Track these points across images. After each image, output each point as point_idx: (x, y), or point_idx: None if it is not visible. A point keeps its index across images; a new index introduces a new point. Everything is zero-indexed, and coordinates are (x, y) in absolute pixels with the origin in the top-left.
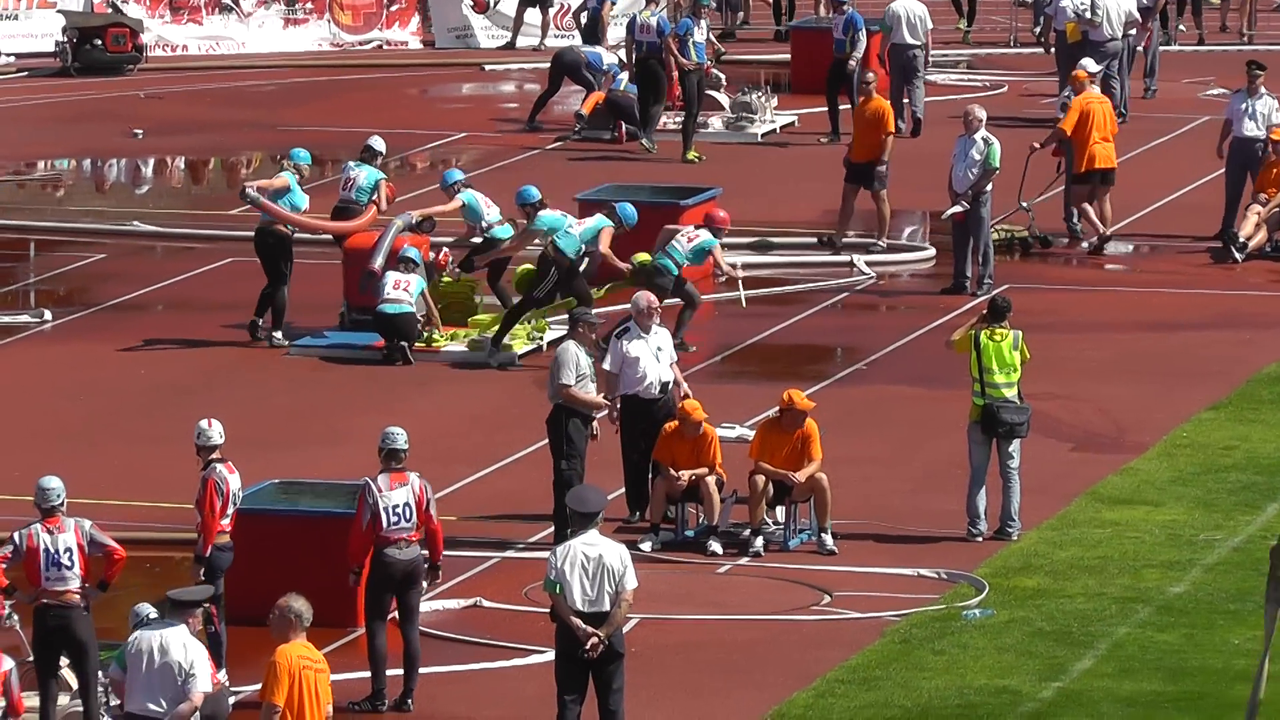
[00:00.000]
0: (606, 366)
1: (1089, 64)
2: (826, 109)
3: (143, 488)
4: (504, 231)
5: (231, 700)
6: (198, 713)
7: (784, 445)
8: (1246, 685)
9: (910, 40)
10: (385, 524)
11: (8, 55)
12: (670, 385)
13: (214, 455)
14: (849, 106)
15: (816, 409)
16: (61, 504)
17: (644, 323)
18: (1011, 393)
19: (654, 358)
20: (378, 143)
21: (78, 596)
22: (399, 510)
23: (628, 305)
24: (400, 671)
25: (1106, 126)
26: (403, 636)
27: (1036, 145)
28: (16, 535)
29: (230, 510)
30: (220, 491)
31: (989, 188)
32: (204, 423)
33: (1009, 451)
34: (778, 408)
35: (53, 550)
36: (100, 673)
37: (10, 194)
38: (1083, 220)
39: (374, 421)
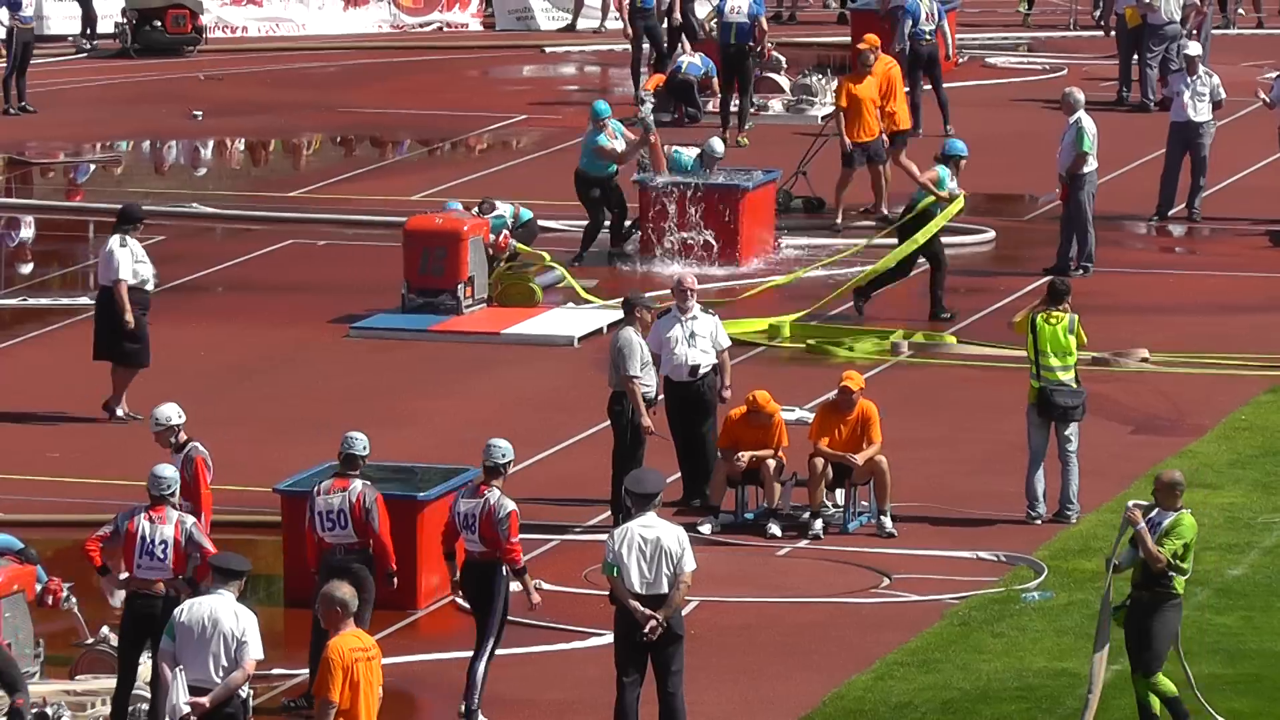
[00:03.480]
0: (649, 346)
1: None
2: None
3: None
4: (525, 214)
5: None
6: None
7: (843, 427)
8: None
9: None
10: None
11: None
12: (702, 369)
13: (183, 435)
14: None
15: (876, 391)
16: (171, 493)
17: (681, 304)
18: (1067, 376)
19: (685, 341)
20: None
21: (164, 588)
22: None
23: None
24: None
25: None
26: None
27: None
28: (120, 517)
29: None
30: (209, 466)
31: (1085, 170)
32: (159, 409)
33: (1067, 435)
34: (836, 390)
35: (149, 539)
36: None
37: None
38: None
39: (434, 404)
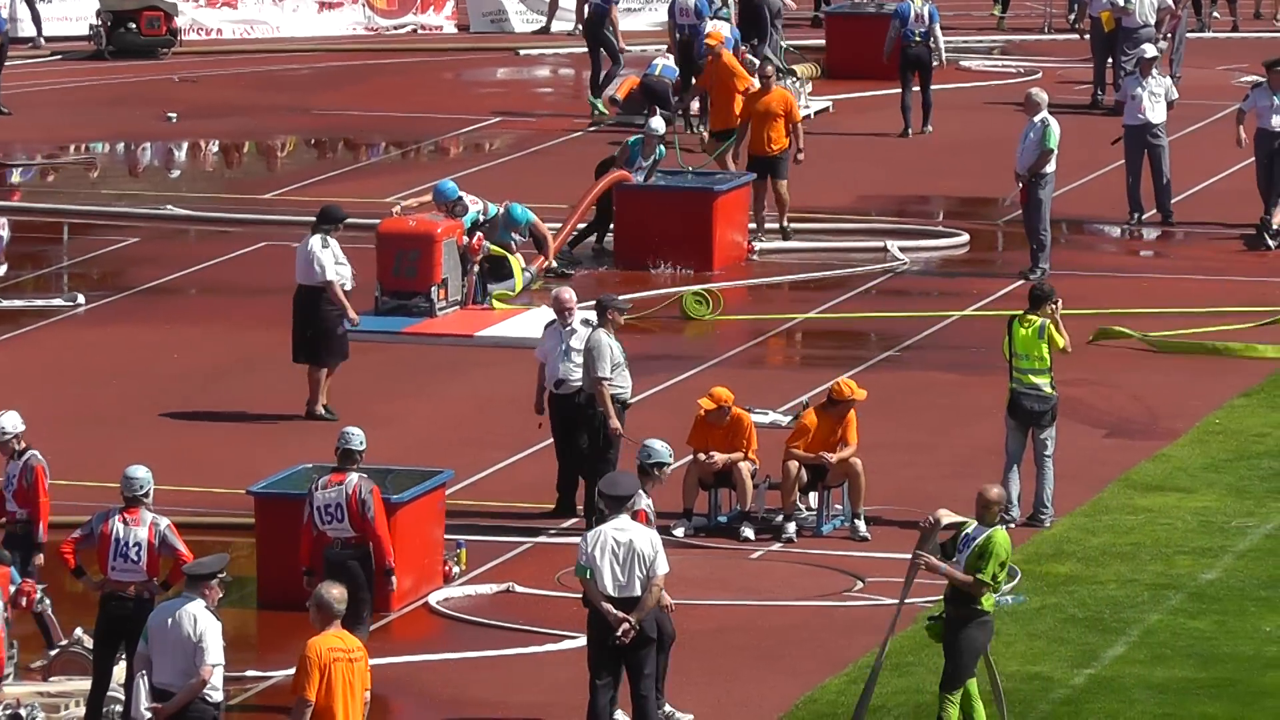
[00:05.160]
0: (536, 354)
1: None
2: (900, 101)
3: (175, 472)
4: (493, 209)
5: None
6: (209, 684)
7: (824, 432)
8: (1279, 672)
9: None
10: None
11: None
12: (571, 383)
13: (22, 443)
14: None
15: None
16: (145, 495)
17: (560, 317)
18: (1040, 380)
19: (560, 354)
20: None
21: (137, 590)
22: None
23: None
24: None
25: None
26: None
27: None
28: (95, 519)
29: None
30: (48, 474)
31: (1048, 169)
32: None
33: (1042, 439)
34: (827, 396)
35: (123, 541)
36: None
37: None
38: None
39: (408, 406)
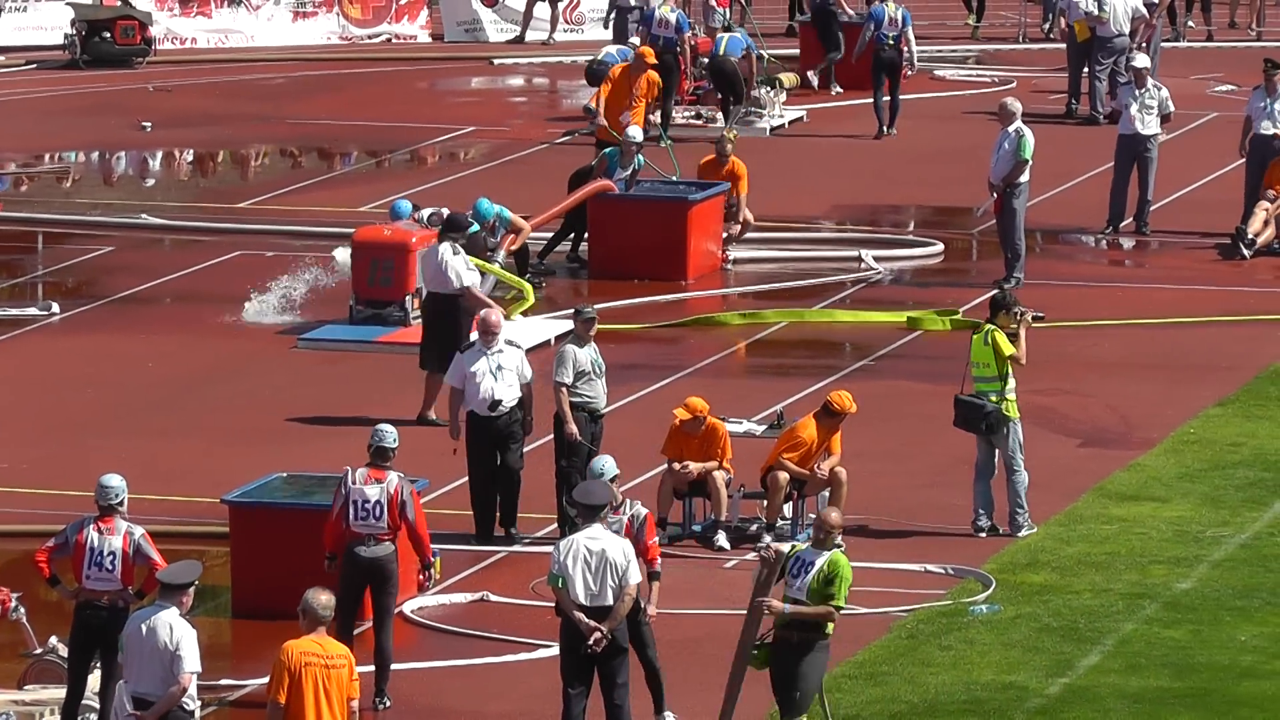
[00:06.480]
0: (448, 380)
1: None
2: (873, 104)
3: (149, 480)
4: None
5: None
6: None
7: (817, 443)
8: (1254, 681)
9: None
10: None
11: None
12: (505, 404)
13: None
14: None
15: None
16: (120, 503)
17: (487, 340)
18: (987, 388)
19: (491, 374)
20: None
21: (111, 599)
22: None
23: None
24: (390, 666)
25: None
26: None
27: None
28: (69, 528)
29: None
30: None
31: (1022, 179)
32: None
33: (1008, 448)
34: (824, 407)
35: (98, 550)
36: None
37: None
38: None
39: (382, 415)
